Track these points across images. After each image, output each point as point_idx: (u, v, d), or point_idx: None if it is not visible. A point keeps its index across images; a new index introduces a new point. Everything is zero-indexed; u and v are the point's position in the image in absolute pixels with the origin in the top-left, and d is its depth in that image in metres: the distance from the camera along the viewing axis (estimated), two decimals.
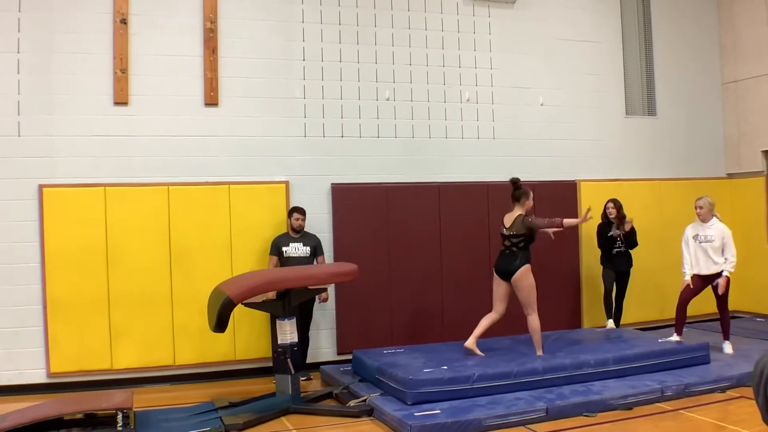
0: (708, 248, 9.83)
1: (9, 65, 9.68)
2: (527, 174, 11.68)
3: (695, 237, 9.99)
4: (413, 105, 11.35)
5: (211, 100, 10.42)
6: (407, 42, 11.35)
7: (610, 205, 11.35)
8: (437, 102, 11.49)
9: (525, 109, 12.00)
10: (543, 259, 11.57)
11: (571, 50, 12.34)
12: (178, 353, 10.01)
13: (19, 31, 9.72)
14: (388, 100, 11.22)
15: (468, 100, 11.63)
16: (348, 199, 10.80)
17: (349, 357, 10.04)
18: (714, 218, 9.97)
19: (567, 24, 12.33)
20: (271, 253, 10.05)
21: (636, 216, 11.53)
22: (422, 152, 11.38)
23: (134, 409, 8.10)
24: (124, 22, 10.04)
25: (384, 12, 11.25)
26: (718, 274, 9.79)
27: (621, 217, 11.32)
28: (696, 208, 10.05)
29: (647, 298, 12.32)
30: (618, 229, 11.29)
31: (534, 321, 9.12)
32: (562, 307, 11.91)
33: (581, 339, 10.43)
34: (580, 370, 8.76)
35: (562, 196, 11.98)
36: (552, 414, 7.77)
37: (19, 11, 9.72)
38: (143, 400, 8.77)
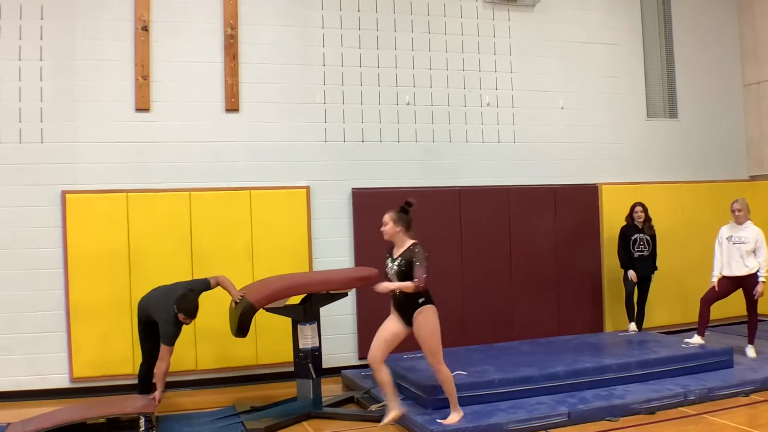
0: (741, 249, 9.83)
1: (32, 72, 9.77)
2: (548, 178, 11.73)
3: (729, 238, 10.01)
4: (433, 109, 11.35)
5: (232, 105, 10.47)
6: (427, 46, 11.35)
7: (639, 208, 11.30)
8: (457, 106, 11.49)
9: (545, 113, 11.97)
10: (564, 262, 11.57)
11: (592, 53, 12.31)
12: (200, 358, 10.05)
13: (41, 39, 9.82)
14: (408, 104, 11.21)
15: (488, 104, 11.62)
16: (368, 203, 10.79)
17: None
18: (749, 221, 9.98)
19: (587, 27, 12.30)
20: None
21: (657, 219, 11.48)
22: (442, 156, 11.38)
23: (157, 414, 8.15)
24: (145, 29, 10.11)
25: (404, 16, 11.26)
26: (748, 277, 9.77)
27: (648, 220, 11.28)
28: (733, 210, 10.10)
29: (669, 301, 12.24)
30: (644, 232, 11.25)
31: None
32: (583, 311, 11.85)
33: (604, 343, 10.42)
34: (603, 375, 8.74)
35: (583, 199, 11.94)
36: (574, 418, 7.76)
37: (42, 19, 9.81)
38: (165, 404, 8.79)
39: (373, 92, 11.09)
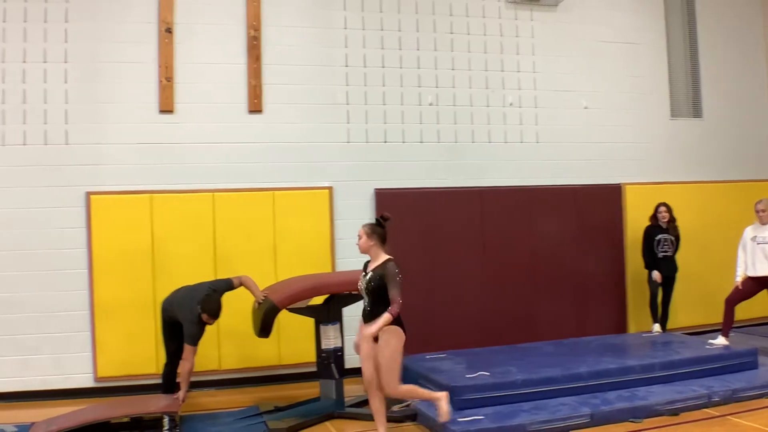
0: (766, 250, 9.82)
1: (57, 75, 9.89)
2: (571, 178, 11.68)
3: (753, 238, 9.99)
4: (456, 109, 11.35)
5: (255, 107, 10.51)
6: (450, 46, 11.35)
7: (663, 209, 11.25)
8: (480, 106, 11.47)
9: (568, 113, 11.93)
10: (587, 262, 11.53)
11: (615, 52, 12.24)
12: (224, 358, 10.10)
13: (66, 42, 9.93)
14: (431, 105, 11.21)
15: (511, 104, 11.59)
16: (391, 204, 10.77)
17: None
18: None
19: (610, 26, 12.23)
20: None
21: (681, 219, 11.42)
22: (465, 157, 11.37)
23: (180, 413, 8.20)
24: (169, 31, 10.17)
25: (426, 17, 11.26)
26: None
27: (672, 220, 11.23)
28: (757, 211, 10.07)
29: (693, 302, 12.15)
30: (668, 233, 11.20)
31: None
32: (607, 312, 11.80)
33: (627, 344, 10.37)
34: (626, 376, 8.67)
35: (606, 200, 11.89)
36: (597, 420, 7.72)
37: (67, 22, 9.91)
38: (189, 404, 8.85)
39: (395, 93, 11.09)
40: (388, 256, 7.27)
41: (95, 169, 9.94)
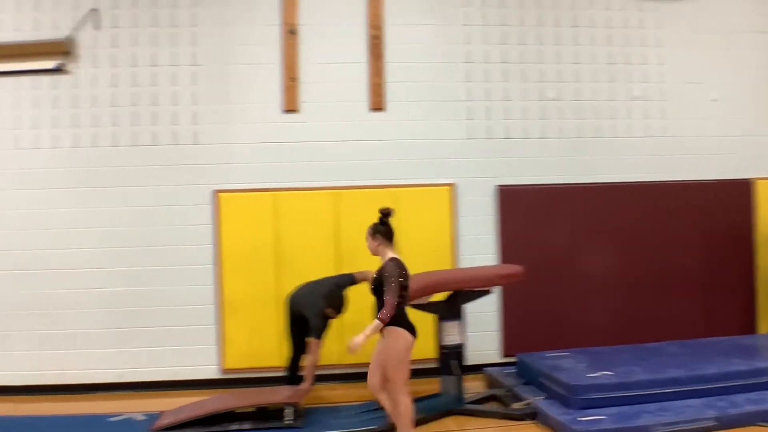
0: None
1: (187, 77, 10.30)
2: (698, 173, 11.31)
3: None
4: (579, 104, 11.15)
5: (377, 105, 10.63)
6: (572, 40, 11.17)
7: None
8: (603, 100, 11.23)
9: (696, 106, 11.51)
10: (714, 261, 11.13)
11: (745, 41, 11.73)
12: (346, 352, 10.17)
13: (195, 45, 10.31)
14: (553, 99, 11.07)
15: (636, 98, 11.31)
16: (513, 200, 10.74)
17: (514, 359, 10.01)
18: None
19: (739, 14, 11.73)
20: None
21: None
22: (588, 152, 11.16)
23: (303, 405, 8.36)
24: (292, 32, 10.40)
25: (548, 11, 11.11)
26: None
27: None
28: None
29: None
30: None
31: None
32: (734, 313, 11.31)
33: (757, 345, 10.03)
34: (756, 378, 8.36)
35: (735, 196, 11.38)
36: (724, 423, 7.50)
37: (196, 26, 10.30)
38: (311, 397, 9.00)
39: (516, 88, 11.00)
40: (392, 255, 7.09)
41: (222, 168, 10.31)
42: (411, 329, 6.95)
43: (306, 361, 8.57)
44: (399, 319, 6.87)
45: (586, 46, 11.20)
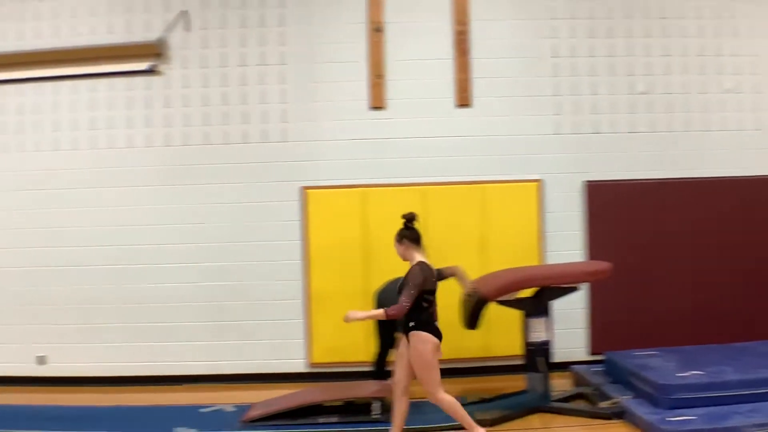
0: None
1: (275, 76, 10.53)
2: None
3: None
4: (669, 98, 10.92)
5: (463, 101, 10.63)
6: (662, 32, 10.95)
7: None
8: (694, 93, 10.95)
9: None
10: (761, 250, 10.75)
11: None
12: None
13: (283, 45, 10.51)
14: (643, 93, 10.89)
15: (728, 90, 11.03)
16: (601, 196, 10.61)
17: (601, 357, 9.90)
18: None
19: None
20: None
21: None
22: (678, 147, 10.91)
23: (390, 400, 8.40)
24: (378, 30, 10.48)
25: (636, 3, 10.92)
26: None
27: None
28: None
29: None
30: None
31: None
32: None
33: None
34: None
35: None
36: None
37: (283, 26, 10.50)
38: None
39: (605, 82, 10.85)
40: (420, 259, 7.10)
41: (310, 165, 10.49)
42: (436, 333, 6.98)
43: (393, 356, 8.64)
44: (424, 323, 6.93)
45: (675, 38, 10.96)
